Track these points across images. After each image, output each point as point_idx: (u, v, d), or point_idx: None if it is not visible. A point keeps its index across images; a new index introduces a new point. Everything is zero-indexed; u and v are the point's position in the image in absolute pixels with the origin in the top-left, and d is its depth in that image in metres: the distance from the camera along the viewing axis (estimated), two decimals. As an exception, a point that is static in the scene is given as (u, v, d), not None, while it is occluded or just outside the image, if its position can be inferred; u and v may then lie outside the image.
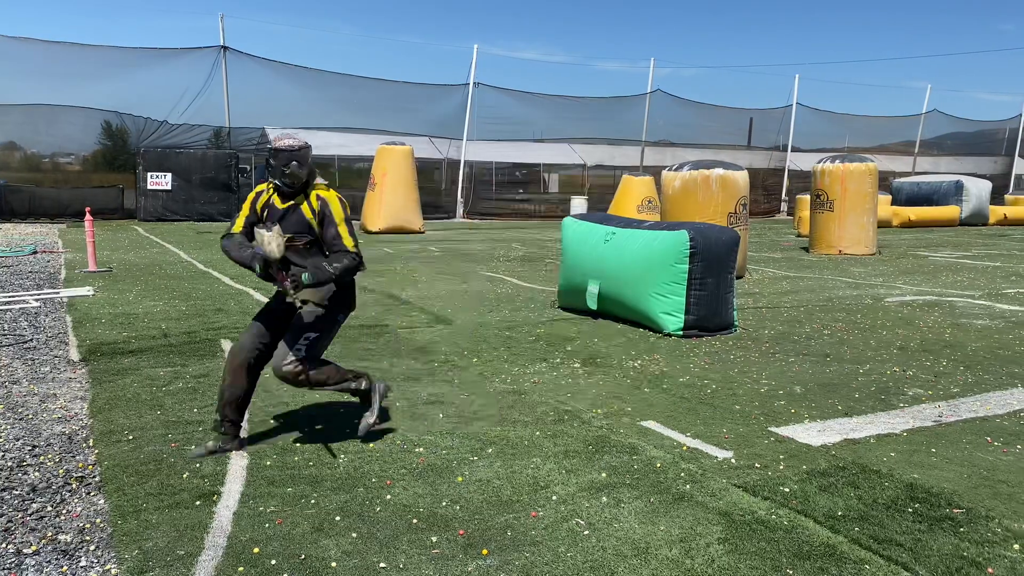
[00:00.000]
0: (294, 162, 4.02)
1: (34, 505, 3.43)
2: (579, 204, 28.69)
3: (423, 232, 21.75)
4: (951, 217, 27.76)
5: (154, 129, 25.48)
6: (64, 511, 3.38)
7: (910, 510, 3.43)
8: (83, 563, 2.92)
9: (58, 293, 9.55)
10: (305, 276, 3.97)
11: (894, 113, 44.37)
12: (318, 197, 4.11)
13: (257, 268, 4.03)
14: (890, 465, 3.98)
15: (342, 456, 4.04)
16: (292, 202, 4.11)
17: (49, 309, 8.42)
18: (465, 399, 5.11)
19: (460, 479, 3.74)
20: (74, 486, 3.64)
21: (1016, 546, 3.10)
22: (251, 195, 4.29)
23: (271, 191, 4.18)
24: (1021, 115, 42.52)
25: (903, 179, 32.66)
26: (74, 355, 6.29)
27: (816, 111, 37.99)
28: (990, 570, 2.91)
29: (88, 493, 3.56)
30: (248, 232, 4.20)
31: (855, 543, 3.11)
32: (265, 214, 4.18)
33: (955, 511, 3.42)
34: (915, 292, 10.58)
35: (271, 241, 3.91)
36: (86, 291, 9.65)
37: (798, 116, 36.98)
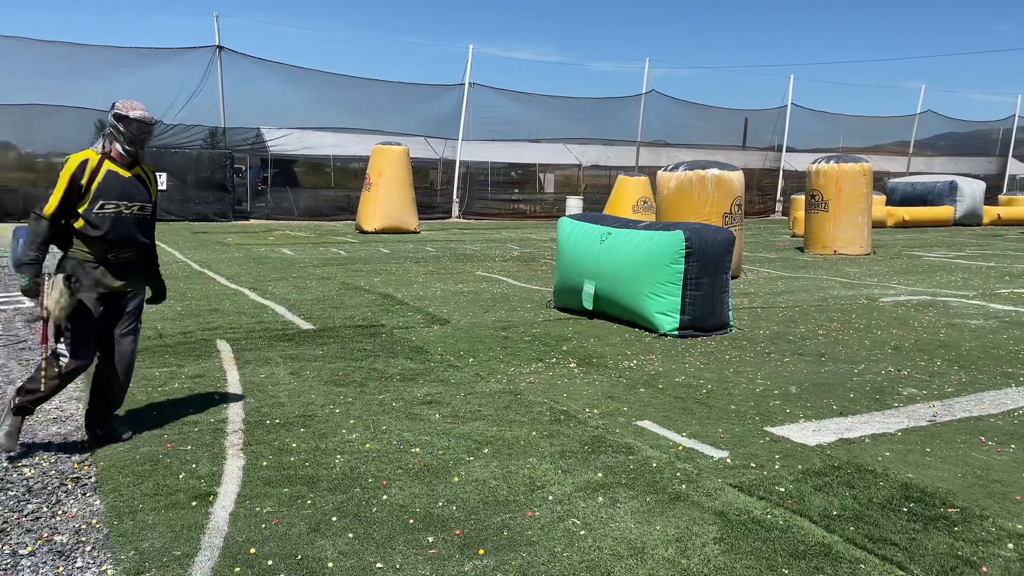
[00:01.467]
0: (146, 135, 4.10)
1: (30, 506, 3.43)
2: (575, 204, 28.71)
3: (419, 232, 21.74)
4: (945, 217, 27.86)
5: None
6: (60, 512, 3.37)
7: (905, 509, 3.45)
8: (79, 564, 2.92)
9: (53, 293, 9.51)
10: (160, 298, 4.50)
11: (889, 113, 44.55)
12: (150, 171, 4.30)
13: (24, 281, 3.91)
14: (885, 465, 3.99)
15: (338, 456, 4.04)
16: (132, 173, 4.12)
17: (44, 309, 8.39)
18: (461, 399, 5.12)
19: (456, 479, 3.75)
20: (70, 487, 3.64)
21: (1010, 545, 3.11)
22: (71, 168, 3.94)
23: (99, 160, 4.01)
24: (1015, 115, 42.67)
25: (897, 179, 32.77)
26: (69, 355, 6.27)
27: (811, 111, 38.08)
28: (984, 569, 2.93)
29: (84, 494, 3.56)
30: (61, 215, 3.98)
31: (850, 543, 3.12)
32: (95, 186, 3.97)
33: (950, 510, 3.44)
34: (909, 292, 10.62)
35: (63, 307, 3.83)
36: (81, 291, 9.62)
37: (793, 116, 37.06)
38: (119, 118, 4.03)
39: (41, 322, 3.89)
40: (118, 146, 4.05)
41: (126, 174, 4.09)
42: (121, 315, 4.19)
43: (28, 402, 4.03)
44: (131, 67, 25.90)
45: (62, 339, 3.95)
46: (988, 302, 9.69)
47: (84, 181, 3.96)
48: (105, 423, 4.27)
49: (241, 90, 27.04)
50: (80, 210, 3.97)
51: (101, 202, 3.98)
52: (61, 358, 3.95)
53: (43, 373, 3.91)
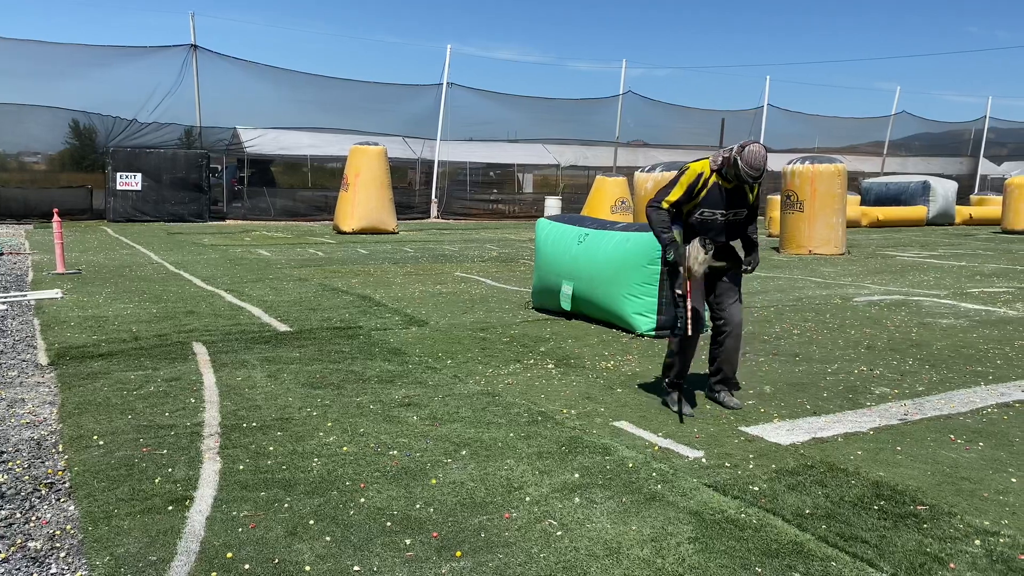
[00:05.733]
0: (751, 182, 4.88)
1: (2, 512, 3.39)
2: (553, 204, 28.78)
3: (397, 232, 21.70)
4: (918, 217, 28.23)
5: (123, 128, 25.17)
6: (33, 518, 3.34)
7: (876, 507, 3.50)
8: (54, 570, 2.90)
9: (25, 296, 9.41)
10: (753, 265, 5.12)
11: (864, 114, 45.08)
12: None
13: (669, 255, 4.84)
14: (857, 463, 4.05)
15: (315, 459, 4.03)
16: (733, 184, 4.89)
17: (16, 312, 8.30)
18: (439, 401, 5.13)
19: (434, 481, 3.76)
20: (43, 492, 3.61)
21: (977, 542, 3.17)
22: (688, 176, 4.85)
23: (712, 176, 4.86)
24: (986, 116, 43.32)
25: (872, 179, 33.16)
26: (42, 359, 6.21)
27: (787, 112, 38.47)
28: (952, 565, 2.98)
29: (58, 499, 3.53)
30: (676, 209, 4.93)
31: (822, 540, 3.17)
32: (701, 195, 4.86)
33: (919, 508, 3.50)
34: (883, 292, 10.76)
35: (701, 263, 4.77)
36: (54, 293, 9.53)
37: (769, 117, 37.41)
38: (740, 157, 4.78)
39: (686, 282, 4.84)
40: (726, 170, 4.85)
41: (727, 185, 4.91)
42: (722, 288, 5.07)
43: (675, 376, 4.96)
44: (104, 66, 25.67)
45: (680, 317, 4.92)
46: (959, 301, 9.84)
47: (696, 190, 4.88)
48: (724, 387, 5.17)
49: (217, 89, 26.89)
50: (685, 210, 4.95)
51: (701, 209, 4.91)
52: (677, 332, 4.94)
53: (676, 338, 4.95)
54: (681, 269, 4.85)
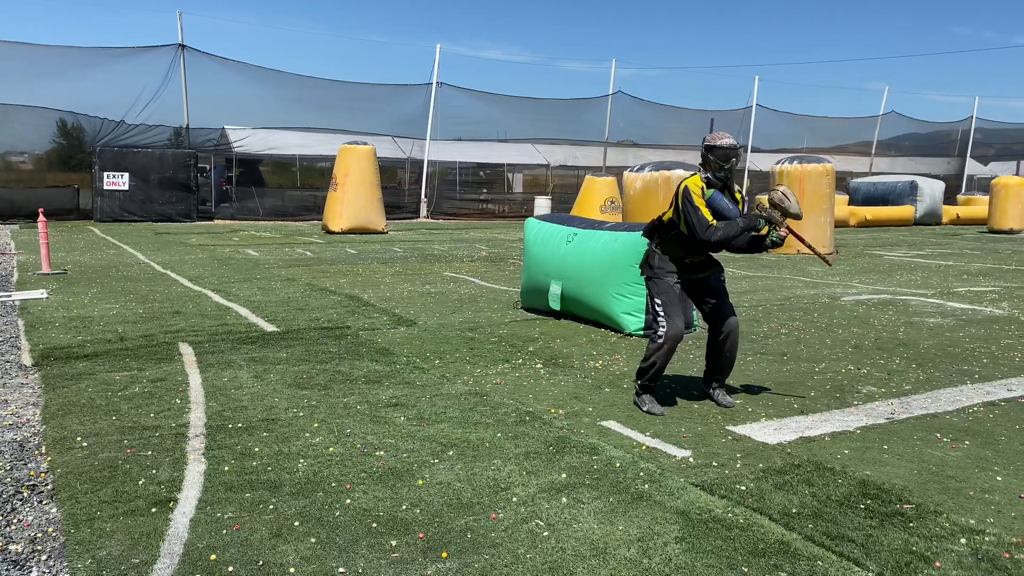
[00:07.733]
0: (734, 159, 4.72)
1: (-16, 515, 3.36)
2: (543, 204, 28.78)
3: (386, 232, 21.65)
4: (906, 217, 28.39)
5: (111, 129, 25.01)
6: (15, 520, 3.31)
7: (862, 506, 3.51)
8: (35, 574, 2.87)
9: (10, 296, 9.33)
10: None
11: (852, 114, 45.26)
12: (739, 193, 4.93)
13: (760, 223, 4.71)
14: (844, 462, 4.06)
15: (301, 460, 4.01)
16: (722, 183, 4.79)
17: (0, 312, 8.23)
18: (427, 401, 5.11)
19: (420, 482, 3.74)
20: (25, 494, 3.57)
21: (963, 540, 3.18)
22: (695, 191, 4.71)
23: (705, 184, 4.75)
24: (972, 116, 43.57)
25: (860, 179, 33.31)
26: (26, 360, 6.15)
27: (775, 112, 38.56)
28: (938, 564, 2.99)
29: (40, 502, 3.50)
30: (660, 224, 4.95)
31: (809, 540, 3.17)
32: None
33: (905, 507, 3.51)
34: (870, 291, 10.80)
35: (795, 201, 4.72)
36: (39, 294, 9.45)
37: (758, 117, 37.50)
38: (709, 148, 4.72)
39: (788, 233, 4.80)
40: (710, 173, 4.76)
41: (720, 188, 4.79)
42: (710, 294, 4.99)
43: (649, 379, 4.91)
44: (91, 66, 25.50)
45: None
46: (946, 300, 9.89)
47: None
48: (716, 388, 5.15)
49: (205, 89, 26.74)
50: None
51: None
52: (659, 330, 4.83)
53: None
54: (773, 223, 4.75)
